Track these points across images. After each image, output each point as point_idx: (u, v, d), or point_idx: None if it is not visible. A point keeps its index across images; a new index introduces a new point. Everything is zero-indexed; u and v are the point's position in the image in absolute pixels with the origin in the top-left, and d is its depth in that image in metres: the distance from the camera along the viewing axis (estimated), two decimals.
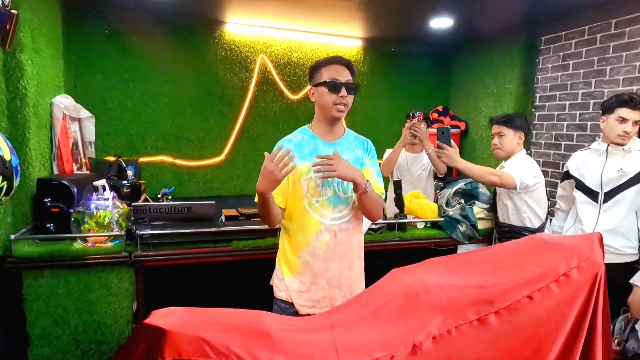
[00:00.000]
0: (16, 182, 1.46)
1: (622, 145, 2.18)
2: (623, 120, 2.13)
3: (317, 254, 1.71)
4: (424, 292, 1.38)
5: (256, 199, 1.64)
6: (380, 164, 2.95)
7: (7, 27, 1.35)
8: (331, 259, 1.72)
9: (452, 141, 2.31)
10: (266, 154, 1.54)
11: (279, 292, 1.77)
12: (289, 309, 1.74)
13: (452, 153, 2.27)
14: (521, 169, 2.26)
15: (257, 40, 3.85)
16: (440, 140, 2.29)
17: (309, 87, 1.74)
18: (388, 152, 3.01)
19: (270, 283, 1.84)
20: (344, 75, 1.66)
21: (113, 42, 3.40)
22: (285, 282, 1.75)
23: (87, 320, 2.01)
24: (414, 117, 2.80)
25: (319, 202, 1.69)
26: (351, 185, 1.70)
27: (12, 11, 1.38)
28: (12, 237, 1.93)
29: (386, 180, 3.12)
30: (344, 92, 1.64)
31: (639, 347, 2.00)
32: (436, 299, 1.33)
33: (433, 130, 3.45)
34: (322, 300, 1.72)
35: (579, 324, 1.21)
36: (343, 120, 1.78)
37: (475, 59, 4.09)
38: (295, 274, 1.73)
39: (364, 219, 2.30)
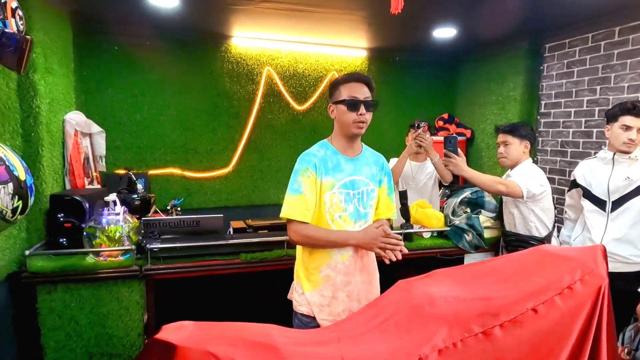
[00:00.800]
0: (31, 201, 1.51)
1: (628, 153, 2.18)
2: (627, 128, 2.14)
3: (339, 268, 1.73)
4: (430, 304, 1.39)
5: (325, 236, 1.70)
6: None
7: (22, 53, 1.40)
8: (352, 273, 1.74)
9: (459, 149, 2.32)
10: (385, 231, 1.66)
11: (300, 307, 1.77)
12: (310, 322, 1.74)
13: (459, 162, 2.27)
14: (527, 178, 2.27)
15: (262, 53, 3.90)
16: (448, 149, 2.30)
17: (329, 104, 1.77)
18: (393, 161, 3.03)
19: (289, 297, 1.85)
20: (363, 93, 1.68)
21: (122, 58, 3.47)
22: (306, 296, 1.75)
23: (99, 333, 2.06)
24: (418, 127, 2.81)
25: (342, 218, 1.72)
26: (370, 202, 1.77)
27: (27, 37, 1.44)
28: (27, 252, 1.99)
29: None
30: (362, 109, 1.66)
31: None
32: (441, 311, 1.35)
33: (438, 138, 3.47)
34: (342, 314, 1.73)
35: (583, 337, 1.21)
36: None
37: (480, 66, 4.11)
38: (316, 288, 1.74)
39: None
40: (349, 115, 1.67)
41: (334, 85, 1.74)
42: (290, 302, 1.83)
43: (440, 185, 3.14)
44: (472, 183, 2.35)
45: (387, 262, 1.65)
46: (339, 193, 1.70)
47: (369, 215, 1.78)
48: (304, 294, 1.75)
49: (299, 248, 1.81)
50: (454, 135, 2.39)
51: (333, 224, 1.71)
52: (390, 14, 1.83)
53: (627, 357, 2.05)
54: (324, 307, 1.73)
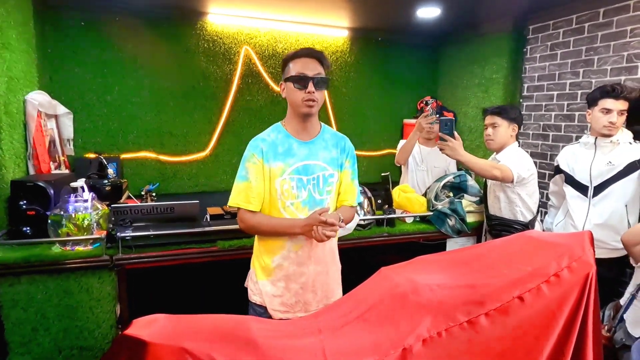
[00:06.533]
0: None
1: (609, 136, 2.17)
2: (607, 111, 2.13)
3: (292, 257, 1.66)
4: (413, 292, 1.35)
5: (270, 225, 1.62)
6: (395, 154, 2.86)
7: None
8: (306, 263, 1.67)
9: (455, 133, 2.22)
10: (318, 214, 1.53)
11: (254, 296, 1.71)
12: (263, 313, 1.69)
13: (456, 145, 2.18)
14: (517, 162, 2.24)
15: (240, 31, 3.74)
16: (444, 132, 2.19)
17: (280, 81, 1.66)
18: (402, 142, 2.95)
19: (245, 285, 1.79)
20: (313, 69, 1.57)
21: (90, 35, 3.26)
22: (259, 285, 1.69)
23: (68, 326, 1.96)
24: (426, 104, 2.66)
25: (294, 205, 1.63)
26: (328, 187, 1.67)
27: None
28: None
29: (398, 169, 3.06)
30: (311, 87, 1.55)
31: (627, 338, 2.01)
32: (425, 300, 1.31)
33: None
34: (295, 305, 1.68)
35: (569, 325, 1.19)
36: (317, 115, 1.69)
37: (463, 48, 4.05)
38: (269, 278, 1.68)
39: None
40: (297, 93, 1.56)
41: (285, 61, 1.63)
42: None
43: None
44: (467, 168, 2.27)
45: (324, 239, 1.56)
46: (290, 179, 1.61)
47: (325, 202, 1.67)
48: (258, 282, 1.69)
49: (256, 236, 1.75)
50: (451, 117, 2.25)
51: (285, 211, 1.63)
52: None
53: (607, 334, 2.09)
54: (276, 297, 1.67)
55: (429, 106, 2.62)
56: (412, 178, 2.95)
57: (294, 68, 1.58)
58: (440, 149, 2.22)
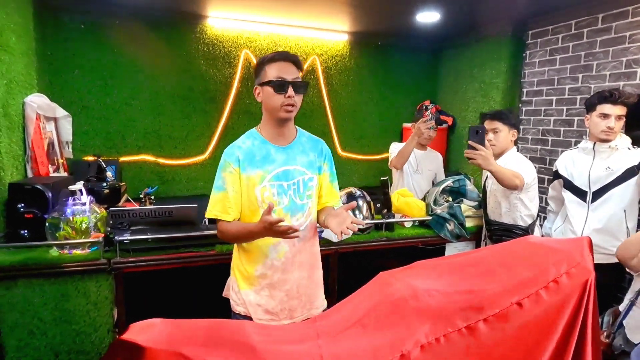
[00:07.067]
0: None
1: (607, 141, 2.17)
2: (605, 116, 2.13)
3: (276, 265, 1.62)
4: (412, 298, 1.34)
5: (236, 231, 1.56)
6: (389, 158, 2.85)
7: None
8: (290, 270, 1.64)
9: (486, 141, 2.06)
10: (265, 217, 1.41)
11: (237, 307, 1.68)
12: None
13: (488, 155, 2.04)
14: (519, 167, 2.23)
15: (240, 35, 3.75)
16: (474, 140, 2.04)
17: (254, 85, 1.62)
18: (395, 145, 2.94)
19: (224, 295, 1.75)
20: (291, 73, 1.54)
21: (90, 37, 3.27)
22: (242, 294, 1.65)
23: (65, 330, 1.95)
24: (426, 109, 2.65)
25: (276, 212, 1.59)
26: (308, 192, 1.65)
27: None
28: None
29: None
30: (291, 91, 1.52)
31: (626, 344, 2.00)
32: (424, 306, 1.30)
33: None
34: (280, 313, 1.65)
35: (568, 331, 1.18)
36: (293, 119, 1.66)
37: (463, 53, 4.06)
38: (252, 287, 1.64)
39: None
40: (276, 97, 1.53)
41: (259, 65, 1.59)
42: None
43: None
44: (496, 177, 2.18)
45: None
46: (270, 186, 1.58)
47: (306, 206, 1.65)
48: (240, 292, 1.66)
49: (235, 245, 1.71)
50: (482, 125, 2.10)
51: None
52: None
53: (606, 340, 2.08)
54: (260, 306, 1.64)
55: (428, 111, 2.59)
56: (409, 182, 2.95)
57: (271, 72, 1.54)
58: (469, 159, 2.08)
